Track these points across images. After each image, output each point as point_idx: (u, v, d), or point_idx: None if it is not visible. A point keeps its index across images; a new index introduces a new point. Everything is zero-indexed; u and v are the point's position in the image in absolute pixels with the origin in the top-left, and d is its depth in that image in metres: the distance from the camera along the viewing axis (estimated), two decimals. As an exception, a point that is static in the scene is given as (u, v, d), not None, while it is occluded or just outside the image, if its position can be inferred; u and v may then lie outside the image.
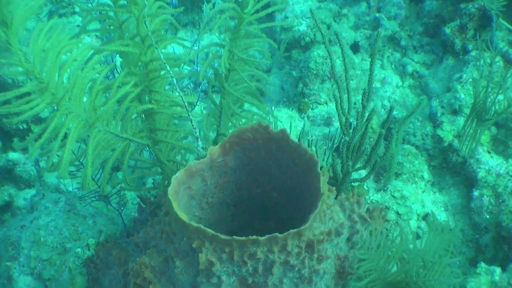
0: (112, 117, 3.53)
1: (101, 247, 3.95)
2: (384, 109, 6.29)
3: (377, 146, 3.85)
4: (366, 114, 3.81)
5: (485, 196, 5.14)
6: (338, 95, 3.86)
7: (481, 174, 5.25)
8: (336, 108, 3.88)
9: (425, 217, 5.37)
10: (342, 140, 3.85)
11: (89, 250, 4.21)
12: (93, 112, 3.35)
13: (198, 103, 5.81)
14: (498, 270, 4.27)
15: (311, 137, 5.44)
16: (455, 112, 5.63)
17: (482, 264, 4.36)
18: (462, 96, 5.64)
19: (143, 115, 3.78)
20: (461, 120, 5.53)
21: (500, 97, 5.06)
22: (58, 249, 4.20)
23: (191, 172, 3.39)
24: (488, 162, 5.27)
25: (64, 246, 4.22)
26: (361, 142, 3.90)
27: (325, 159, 4.91)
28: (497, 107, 5.05)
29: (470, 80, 5.66)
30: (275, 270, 3.10)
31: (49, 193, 4.66)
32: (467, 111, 5.50)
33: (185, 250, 3.17)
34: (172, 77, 3.26)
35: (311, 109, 6.41)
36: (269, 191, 3.77)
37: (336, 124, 5.92)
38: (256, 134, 3.48)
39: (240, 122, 4.28)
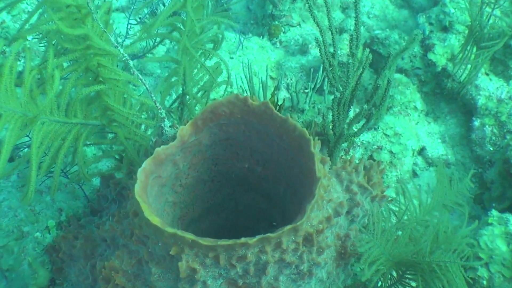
0: (55, 103, 2.93)
1: (63, 240, 3.46)
2: (364, 26, 5.67)
3: (373, 99, 3.31)
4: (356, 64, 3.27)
5: (487, 126, 4.66)
6: (322, 42, 3.29)
7: (481, 101, 4.74)
8: (321, 55, 3.32)
9: (421, 151, 4.88)
10: (332, 98, 3.31)
11: (49, 233, 3.73)
12: (32, 104, 2.76)
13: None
14: (512, 218, 3.81)
15: (290, 79, 4.87)
16: (445, 29, 5.05)
17: (494, 212, 3.88)
18: (452, 10, 5.05)
19: (94, 93, 3.17)
20: (452, 38, 4.97)
21: (497, 12, 4.48)
22: (15, 234, 3.74)
23: (160, 160, 2.91)
24: (488, 87, 4.74)
25: (21, 230, 3.76)
26: (353, 95, 3.36)
27: (307, 102, 4.37)
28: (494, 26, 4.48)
29: (459, -10, 5.05)
30: (269, 270, 2.71)
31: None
32: (458, 27, 4.94)
33: (161, 255, 2.74)
34: (124, 57, 2.63)
35: (283, 32, 5.77)
36: (252, 165, 3.33)
37: (313, 52, 5.32)
38: (233, 108, 3.00)
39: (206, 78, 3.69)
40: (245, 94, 4.46)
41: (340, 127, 3.39)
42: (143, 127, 3.61)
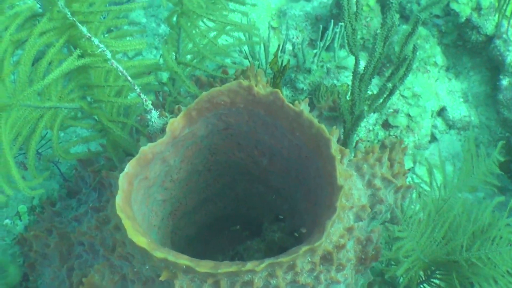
0: (26, 83, 2.39)
1: (34, 238, 3.01)
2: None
3: (398, 72, 2.82)
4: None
5: (516, 86, 4.15)
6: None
7: (510, 57, 4.20)
8: (344, 17, 2.82)
9: (440, 112, 4.38)
10: (352, 72, 2.81)
11: (20, 220, 3.32)
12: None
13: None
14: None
15: (296, 38, 4.31)
16: (467, -27, 4.49)
17: (529, 190, 3.44)
18: None
19: (72, 72, 2.60)
20: (476, -20, 4.41)
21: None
22: (-19, 222, 3.32)
23: (147, 160, 2.47)
24: (518, 41, 4.21)
25: (-13, 216, 3.36)
26: (376, 67, 2.86)
27: (315, 61, 3.83)
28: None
29: None
30: (280, 293, 2.26)
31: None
32: (483, -31, 4.36)
33: (149, 276, 2.33)
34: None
35: (284, -27, 5.17)
36: (256, 157, 2.91)
37: (319, -4, 4.75)
38: (235, 97, 2.54)
39: (204, 42, 3.11)
40: (244, 54, 3.92)
41: (360, 106, 2.89)
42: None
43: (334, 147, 2.35)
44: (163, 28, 4.34)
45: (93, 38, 2.09)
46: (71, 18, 2.09)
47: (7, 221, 3.26)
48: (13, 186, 2.43)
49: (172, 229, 3.01)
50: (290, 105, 2.42)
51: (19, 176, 2.39)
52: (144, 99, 2.37)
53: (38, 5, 2.64)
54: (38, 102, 2.46)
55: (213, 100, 2.49)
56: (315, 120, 2.38)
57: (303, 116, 2.40)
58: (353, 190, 2.63)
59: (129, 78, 2.21)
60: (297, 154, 2.60)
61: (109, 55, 2.15)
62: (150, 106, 2.42)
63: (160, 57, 3.23)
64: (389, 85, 2.80)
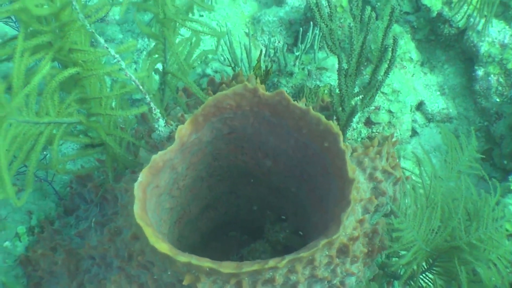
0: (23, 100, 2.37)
1: (41, 257, 3.00)
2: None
3: (381, 63, 2.88)
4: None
5: (492, 75, 4.23)
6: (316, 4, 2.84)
7: (484, 47, 4.28)
8: (316, 19, 2.87)
9: (419, 106, 4.46)
10: (337, 70, 2.87)
11: (20, 241, 3.27)
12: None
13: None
14: (539, 184, 3.45)
15: (278, 42, 4.36)
16: (435, -33, 4.58)
17: (515, 177, 3.51)
18: None
19: (68, 85, 2.59)
20: (445, -25, 4.50)
21: None
22: (-20, 246, 3.28)
23: (158, 168, 2.48)
24: (489, 31, 4.29)
25: (-14, 240, 3.27)
26: (359, 62, 2.92)
27: (297, 64, 3.88)
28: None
29: None
30: (299, 288, 2.30)
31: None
32: (450, -37, 4.46)
33: (171, 283, 2.34)
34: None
35: (254, -21, 5.22)
36: (259, 159, 2.93)
37: (290, 1, 4.78)
38: (240, 100, 2.58)
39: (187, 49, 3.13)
40: (227, 62, 3.96)
41: (350, 101, 2.94)
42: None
43: (342, 142, 2.41)
44: (141, 43, 4.35)
45: (109, 49, 2.11)
46: (90, 30, 2.09)
47: (6, 243, 3.22)
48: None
49: (177, 237, 3.03)
50: (296, 104, 2.46)
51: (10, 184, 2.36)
52: (153, 108, 2.40)
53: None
54: (36, 118, 2.45)
55: (219, 104, 2.52)
56: (323, 117, 2.43)
57: (310, 114, 2.44)
58: (359, 185, 2.69)
59: (141, 87, 2.24)
60: (303, 153, 2.64)
61: (123, 65, 2.17)
62: (159, 115, 2.45)
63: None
64: (380, 78, 2.86)
